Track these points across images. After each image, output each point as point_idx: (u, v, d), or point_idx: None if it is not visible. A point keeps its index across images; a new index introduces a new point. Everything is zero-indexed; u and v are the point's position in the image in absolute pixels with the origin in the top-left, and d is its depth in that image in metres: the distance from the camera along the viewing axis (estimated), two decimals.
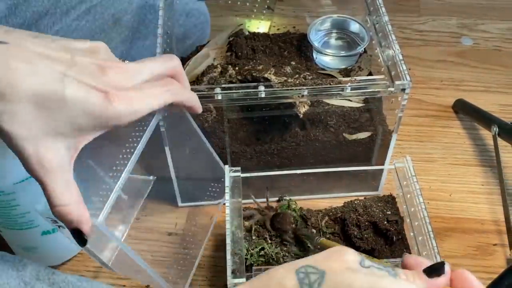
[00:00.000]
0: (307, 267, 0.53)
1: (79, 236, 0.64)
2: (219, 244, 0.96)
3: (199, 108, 0.74)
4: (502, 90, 1.22)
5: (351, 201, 0.92)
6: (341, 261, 0.53)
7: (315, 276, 0.52)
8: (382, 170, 0.98)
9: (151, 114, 0.68)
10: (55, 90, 0.58)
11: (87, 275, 0.93)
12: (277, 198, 0.94)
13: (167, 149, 0.90)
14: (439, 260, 0.76)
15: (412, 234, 0.86)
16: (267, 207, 0.91)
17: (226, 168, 0.82)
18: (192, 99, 0.72)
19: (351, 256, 0.54)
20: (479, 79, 1.25)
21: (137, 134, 0.71)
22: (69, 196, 0.62)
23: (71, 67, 0.60)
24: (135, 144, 0.71)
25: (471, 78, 1.26)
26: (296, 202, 0.90)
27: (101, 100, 0.60)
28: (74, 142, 0.61)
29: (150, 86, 0.66)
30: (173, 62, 0.71)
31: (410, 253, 0.87)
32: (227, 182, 0.83)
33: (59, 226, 0.67)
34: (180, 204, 1.01)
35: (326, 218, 0.91)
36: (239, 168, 0.85)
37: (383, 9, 0.95)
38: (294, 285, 0.52)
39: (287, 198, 0.91)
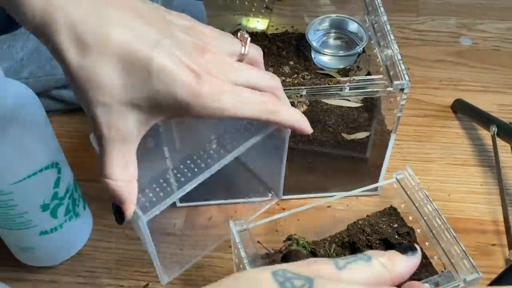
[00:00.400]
0: (285, 272, 0.46)
1: (118, 213, 0.62)
2: (218, 245, 0.95)
3: (305, 128, 0.66)
4: (501, 90, 1.22)
5: (354, 222, 0.89)
6: (324, 268, 0.48)
7: (300, 282, 0.45)
8: (380, 169, 0.98)
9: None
10: (143, 54, 0.53)
11: (85, 275, 0.93)
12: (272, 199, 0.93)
13: (165, 149, 0.90)
14: (472, 266, 0.75)
15: (427, 243, 0.85)
16: (275, 251, 0.90)
17: (231, 223, 0.78)
18: (295, 120, 0.65)
19: (329, 262, 0.49)
20: (478, 79, 1.25)
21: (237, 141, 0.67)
22: (121, 172, 0.58)
23: (166, 38, 0.54)
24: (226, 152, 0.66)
25: (470, 78, 1.25)
26: (304, 238, 0.88)
27: (190, 81, 0.55)
28: (146, 118, 0.56)
29: (247, 90, 0.60)
30: (276, 81, 0.65)
31: (429, 262, 0.86)
32: (237, 239, 0.77)
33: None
34: (178, 204, 1.01)
35: (333, 245, 0.89)
36: (243, 221, 0.79)
37: (382, 8, 0.95)
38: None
39: (296, 236, 0.89)
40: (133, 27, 0.53)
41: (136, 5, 0.55)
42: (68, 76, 0.53)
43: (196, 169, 0.65)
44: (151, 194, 0.64)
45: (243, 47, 0.63)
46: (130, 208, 0.61)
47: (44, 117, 0.79)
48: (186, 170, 0.66)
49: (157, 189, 0.65)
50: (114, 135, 0.56)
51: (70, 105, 1.14)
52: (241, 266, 0.77)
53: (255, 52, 0.66)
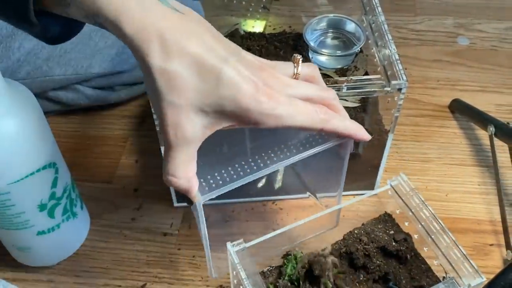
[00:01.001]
0: None
1: (186, 198, 0.70)
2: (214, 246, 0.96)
3: (362, 136, 0.73)
4: (499, 90, 1.22)
5: (350, 232, 0.88)
6: None
7: None
8: (378, 169, 0.98)
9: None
10: (214, 65, 0.61)
11: (83, 275, 0.93)
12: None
13: (163, 148, 0.90)
14: (475, 270, 0.75)
15: (426, 249, 0.85)
16: (273, 267, 0.88)
17: (228, 244, 0.78)
18: (350, 128, 0.72)
19: None
20: (475, 79, 1.25)
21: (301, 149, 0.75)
22: (184, 171, 0.66)
23: (234, 56, 0.63)
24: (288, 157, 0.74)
25: (467, 78, 1.25)
26: (301, 252, 0.87)
27: (251, 90, 0.62)
28: (211, 123, 0.63)
29: (301, 101, 0.67)
30: (330, 94, 0.71)
31: (429, 267, 0.86)
32: (235, 259, 0.76)
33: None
34: (175, 204, 1.01)
35: (331, 258, 0.88)
36: (241, 240, 0.78)
37: (379, 8, 0.95)
38: None
39: (296, 252, 0.87)
40: (208, 43, 0.62)
41: (212, 29, 0.65)
42: (150, 79, 0.60)
43: (255, 167, 0.73)
44: (212, 181, 0.72)
45: (295, 68, 0.70)
46: (193, 196, 0.69)
47: (42, 117, 0.79)
48: (246, 167, 0.74)
49: (221, 176, 0.73)
50: (180, 137, 0.63)
51: (66, 106, 1.14)
52: (241, 287, 0.75)
53: (309, 70, 0.72)
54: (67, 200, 0.87)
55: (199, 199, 0.70)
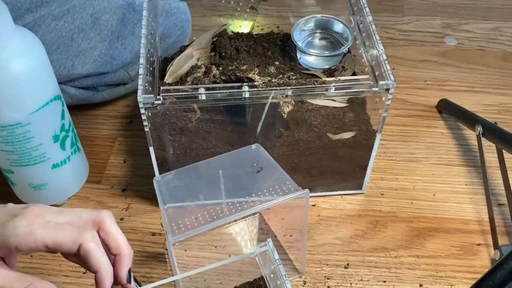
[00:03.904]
0: None
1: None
2: (203, 244, 0.95)
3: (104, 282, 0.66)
4: (486, 90, 1.23)
5: None
6: None
7: None
8: (366, 169, 0.99)
9: None
10: None
11: (71, 275, 0.93)
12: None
13: (151, 149, 0.90)
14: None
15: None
16: None
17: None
18: (99, 262, 0.65)
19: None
20: (463, 79, 1.26)
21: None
22: None
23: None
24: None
25: (455, 78, 1.26)
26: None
27: (6, 217, 0.63)
28: None
29: (63, 224, 0.65)
30: (102, 215, 0.68)
31: None
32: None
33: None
34: (165, 205, 1.01)
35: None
36: None
37: (367, 9, 0.95)
38: None
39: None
40: None
41: None
42: None
43: (221, 214, 0.79)
44: (188, 223, 0.78)
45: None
46: None
47: (46, 57, 0.88)
48: (213, 213, 0.80)
49: (191, 221, 0.78)
50: None
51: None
52: None
53: (93, 214, 0.69)
54: (73, 133, 0.98)
55: (169, 240, 0.74)
